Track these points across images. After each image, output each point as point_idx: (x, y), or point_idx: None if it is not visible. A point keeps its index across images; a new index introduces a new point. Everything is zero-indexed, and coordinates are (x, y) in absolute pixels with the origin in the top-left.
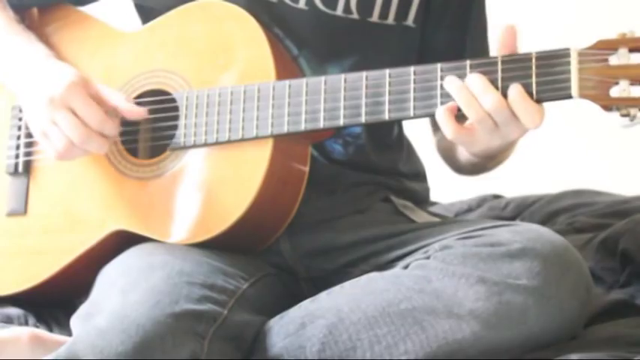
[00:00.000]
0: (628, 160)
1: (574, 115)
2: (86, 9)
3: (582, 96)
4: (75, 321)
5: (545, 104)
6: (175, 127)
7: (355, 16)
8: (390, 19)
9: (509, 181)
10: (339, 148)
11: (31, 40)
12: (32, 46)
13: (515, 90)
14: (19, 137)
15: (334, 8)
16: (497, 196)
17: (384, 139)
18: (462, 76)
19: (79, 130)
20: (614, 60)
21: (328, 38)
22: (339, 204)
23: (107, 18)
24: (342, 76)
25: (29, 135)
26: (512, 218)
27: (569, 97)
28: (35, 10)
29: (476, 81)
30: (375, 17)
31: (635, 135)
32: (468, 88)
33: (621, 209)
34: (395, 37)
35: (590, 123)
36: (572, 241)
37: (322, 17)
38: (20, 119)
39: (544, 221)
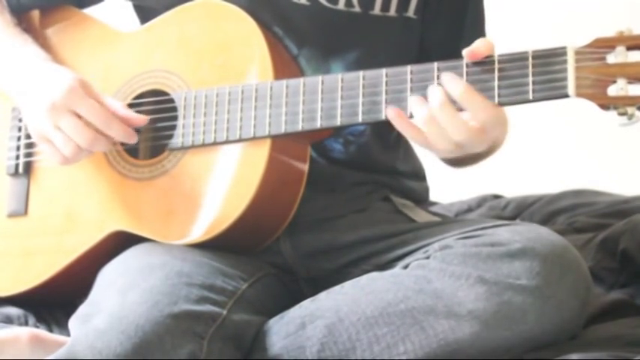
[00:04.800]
0: (628, 160)
1: (574, 115)
2: (86, 10)
3: (579, 95)
4: (74, 322)
5: (545, 103)
6: (174, 128)
7: (357, 9)
8: (392, 11)
9: (509, 181)
10: (339, 147)
11: (28, 44)
12: (29, 49)
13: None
14: (19, 138)
15: (335, 2)
16: (497, 196)
17: (386, 138)
18: (458, 75)
19: (86, 133)
20: (611, 58)
21: (330, 33)
22: (339, 203)
23: (106, 18)
24: (339, 75)
25: (30, 136)
26: (512, 218)
27: (566, 96)
28: (35, 13)
29: (442, 111)
30: (376, 10)
31: (634, 135)
32: (435, 119)
33: (621, 209)
34: (397, 29)
35: (590, 123)
36: (572, 241)
37: (324, 12)
38: (20, 120)
39: (544, 221)
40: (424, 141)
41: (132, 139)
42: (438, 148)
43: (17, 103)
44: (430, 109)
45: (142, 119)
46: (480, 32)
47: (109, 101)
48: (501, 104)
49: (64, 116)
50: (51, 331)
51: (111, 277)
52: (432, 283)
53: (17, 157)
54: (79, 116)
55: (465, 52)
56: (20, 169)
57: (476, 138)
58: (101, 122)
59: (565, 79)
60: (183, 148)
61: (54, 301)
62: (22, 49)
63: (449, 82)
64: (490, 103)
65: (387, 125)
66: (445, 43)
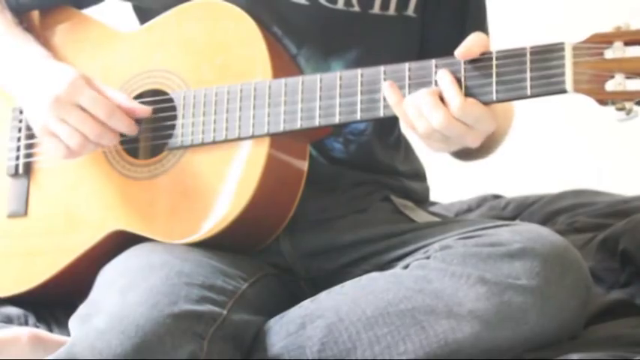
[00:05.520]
0: (628, 160)
1: (574, 114)
2: (85, 10)
3: (577, 90)
4: (73, 321)
5: (545, 103)
6: (173, 127)
7: (356, 8)
8: (392, 10)
9: (509, 181)
10: (340, 146)
11: (30, 42)
12: (31, 47)
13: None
14: (19, 139)
15: (335, 2)
16: (497, 196)
17: (387, 137)
18: (456, 72)
19: (92, 124)
20: (609, 53)
21: (329, 33)
22: (339, 203)
23: (106, 18)
24: (338, 73)
25: (29, 136)
26: (513, 218)
27: (564, 91)
28: (35, 13)
29: (424, 98)
30: (376, 9)
31: (634, 135)
32: (414, 105)
33: (621, 209)
34: (396, 28)
35: (590, 122)
36: (572, 241)
37: (323, 11)
38: (20, 121)
39: (544, 221)
40: (409, 122)
41: (133, 131)
42: (422, 136)
43: (20, 101)
44: (416, 95)
45: (145, 110)
46: (481, 28)
47: (112, 93)
48: (499, 100)
49: (69, 110)
50: (51, 331)
51: (111, 277)
52: (433, 283)
53: (17, 158)
54: (84, 109)
55: (457, 52)
56: (20, 170)
57: (462, 131)
58: (105, 113)
59: (563, 74)
60: (183, 148)
61: (54, 301)
62: (25, 48)
63: (440, 77)
64: (473, 100)
65: (387, 125)
66: (447, 41)
